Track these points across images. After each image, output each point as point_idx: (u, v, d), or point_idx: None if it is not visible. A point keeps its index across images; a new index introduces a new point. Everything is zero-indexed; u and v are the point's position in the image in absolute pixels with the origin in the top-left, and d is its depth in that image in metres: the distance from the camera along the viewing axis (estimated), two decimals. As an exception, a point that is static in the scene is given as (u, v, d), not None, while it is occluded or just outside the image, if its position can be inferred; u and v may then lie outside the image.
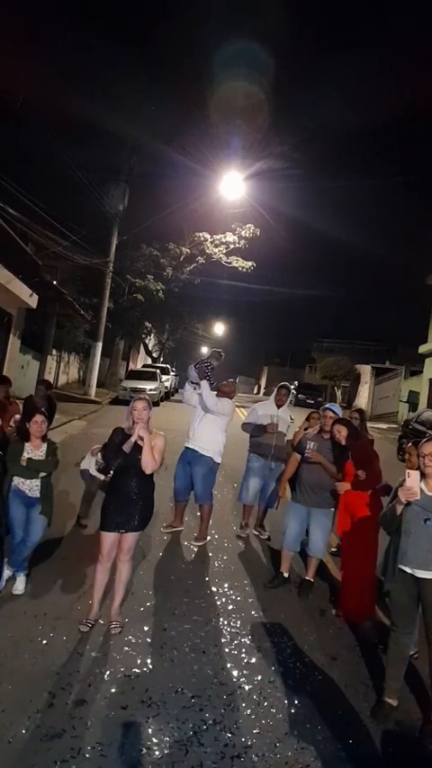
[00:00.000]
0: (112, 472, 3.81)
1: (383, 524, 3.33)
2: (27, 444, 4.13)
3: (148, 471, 3.62)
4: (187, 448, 5.52)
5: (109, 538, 3.65)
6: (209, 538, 5.53)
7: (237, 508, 6.19)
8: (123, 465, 3.66)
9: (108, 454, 3.79)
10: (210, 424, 5.41)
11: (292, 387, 33.58)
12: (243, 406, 6.30)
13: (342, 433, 4.32)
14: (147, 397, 3.81)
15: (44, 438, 4.23)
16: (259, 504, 5.91)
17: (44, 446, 4.20)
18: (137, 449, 3.60)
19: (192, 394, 5.49)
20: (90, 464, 5.65)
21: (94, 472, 5.65)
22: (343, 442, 4.32)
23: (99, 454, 5.60)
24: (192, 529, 5.66)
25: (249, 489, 5.74)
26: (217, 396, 5.47)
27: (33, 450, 4.13)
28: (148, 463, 3.59)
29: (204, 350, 47.93)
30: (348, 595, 4.13)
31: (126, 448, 3.61)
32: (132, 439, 3.59)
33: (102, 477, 5.58)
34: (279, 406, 5.76)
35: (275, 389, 5.98)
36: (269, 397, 6.05)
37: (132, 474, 3.65)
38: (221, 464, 5.63)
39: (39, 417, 4.17)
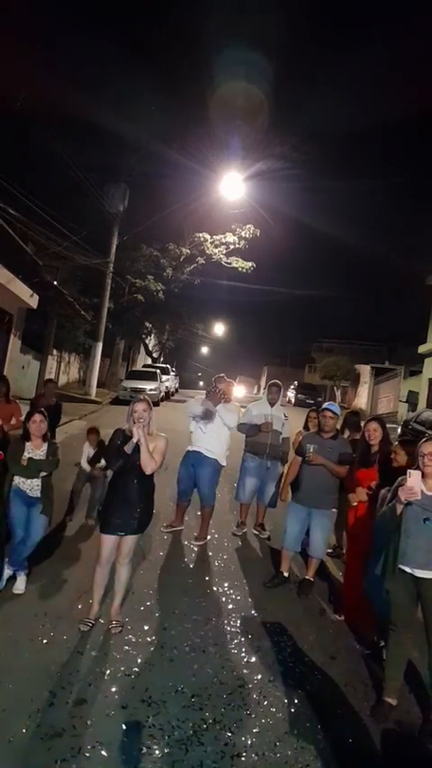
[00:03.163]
0: (106, 468, 3.81)
1: (382, 524, 3.33)
2: (28, 444, 4.13)
3: (147, 472, 3.61)
4: (191, 451, 5.49)
5: (108, 540, 3.65)
6: (209, 537, 5.54)
7: (236, 508, 6.19)
8: (123, 467, 3.65)
9: (109, 455, 3.79)
10: (216, 428, 5.43)
11: (292, 387, 33.51)
12: (243, 406, 6.31)
13: (377, 432, 4.08)
14: (147, 398, 3.79)
15: (45, 437, 4.23)
16: (258, 504, 5.91)
17: (45, 446, 4.20)
18: (138, 450, 3.59)
19: (196, 408, 5.46)
20: (83, 454, 5.68)
21: (84, 464, 5.69)
22: (372, 443, 4.09)
23: (90, 449, 5.67)
24: (192, 529, 5.67)
25: (246, 488, 5.75)
26: (224, 403, 5.52)
27: (34, 450, 4.13)
28: (147, 464, 3.58)
29: (204, 350, 48.02)
30: (352, 597, 4.10)
31: (127, 449, 3.60)
32: (134, 440, 3.57)
33: (89, 468, 5.63)
34: (272, 405, 5.77)
35: (267, 388, 6.02)
36: (263, 396, 6.09)
37: (133, 476, 3.64)
38: None
39: (37, 417, 4.17)
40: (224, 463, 5.55)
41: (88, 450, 5.74)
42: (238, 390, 6.32)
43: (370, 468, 4.09)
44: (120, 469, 3.68)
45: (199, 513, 5.68)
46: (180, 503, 5.66)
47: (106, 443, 5.43)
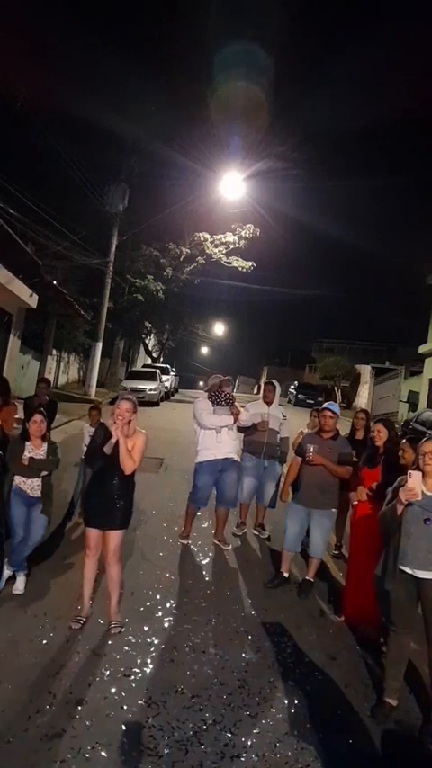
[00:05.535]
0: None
1: (382, 524, 3.32)
2: (28, 444, 4.13)
3: (126, 472, 3.61)
4: (220, 459, 5.28)
5: (93, 533, 3.69)
6: (212, 539, 5.53)
7: (235, 508, 6.18)
8: (104, 465, 3.66)
9: (89, 455, 3.77)
10: (233, 433, 5.43)
11: (292, 387, 33.41)
12: (242, 406, 6.35)
13: (381, 434, 4.13)
14: (133, 398, 3.75)
15: (45, 437, 4.23)
16: (258, 505, 5.91)
17: (45, 445, 4.20)
18: (118, 449, 3.59)
19: (213, 420, 5.26)
20: (85, 437, 5.61)
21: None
22: (378, 444, 4.14)
23: (92, 430, 5.61)
24: (193, 530, 5.64)
25: (244, 488, 5.73)
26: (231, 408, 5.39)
27: (34, 450, 4.13)
28: (125, 464, 3.58)
29: (204, 350, 47.94)
30: (354, 598, 4.08)
31: (107, 449, 3.60)
32: (113, 440, 3.57)
33: None
34: (268, 404, 5.74)
35: (263, 387, 5.98)
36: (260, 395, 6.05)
37: (113, 474, 3.64)
38: None
39: (38, 417, 4.17)
40: None
41: (90, 431, 5.67)
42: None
43: (374, 468, 4.12)
44: (101, 468, 3.69)
45: (199, 514, 5.67)
46: (194, 509, 5.48)
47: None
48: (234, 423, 5.33)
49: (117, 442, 3.56)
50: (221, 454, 5.28)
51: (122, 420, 3.56)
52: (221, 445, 5.27)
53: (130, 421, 3.62)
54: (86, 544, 3.71)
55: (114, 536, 3.69)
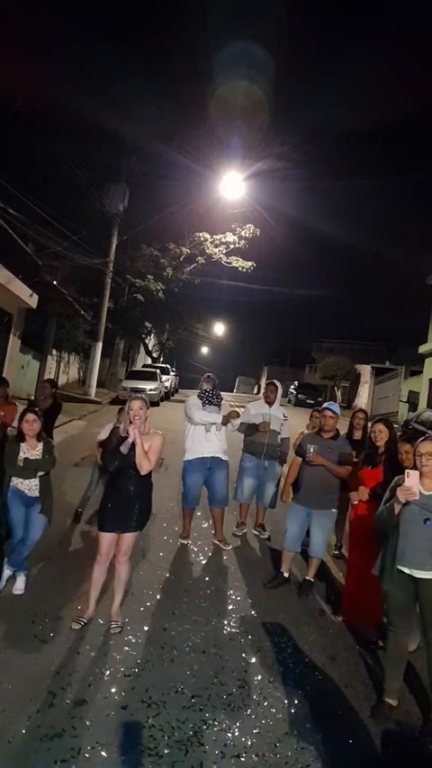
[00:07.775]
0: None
1: (379, 524, 3.32)
2: (23, 444, 4.11)
3: (142, 472, 3.62)
4: (207, 457, 5.30)
5: (107, 538, 3.66)
6: (212, 539, 5.53)
7: (236, 508, 6.18)
8: (121, 466, 3.66)
9: (106, 457, 3.77)
10: (225, 433, 5.44)
11: (292, 387, 33.43)
12: (242, 406, 6.34)
13: (382, 434, 4.10)
14: (144, 396, 3.77)
15: (39, 437, 4.20)
16: (258, 505, 5.91)
17: (40, 445, 4.18)
18: (134, 449, 3.60)
19: (202, 415, 5.29)
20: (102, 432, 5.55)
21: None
22: (378, 444, 4.11)
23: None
24: (193, 530, 5.64)
25: (244, 488, 5.74)
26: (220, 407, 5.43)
27: (30, 450, 4.11)
28: (141, 464, 3.60)
29: (204, 350, 47.92)
30: (354, 598, 4.08)
31: (123, 449, 3.61)
32: (129, 440, 3.58)
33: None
34: (270, 404, 5.75)
35: (264, 387, 5.98)
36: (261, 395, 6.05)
37: (130, 475, 3.65)
38: None
39: (30, 416, 4.14)
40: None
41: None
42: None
43: (375, 468, 4.11)
44: (117, 469, 3.68)
45: (199, 514, 5.66)
46: (189, 510, 5.48)
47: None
48: (222, 423, 5.33)
49: (134, 442, 3.57)
50: (209, 452, 5.29)
51: (140, 420, 3.58)
52: (210, 444, 5.29)
53: (146, 418, 3.65)
54: (98, 550, 3.68)
55: (129, 537, 3.70)
